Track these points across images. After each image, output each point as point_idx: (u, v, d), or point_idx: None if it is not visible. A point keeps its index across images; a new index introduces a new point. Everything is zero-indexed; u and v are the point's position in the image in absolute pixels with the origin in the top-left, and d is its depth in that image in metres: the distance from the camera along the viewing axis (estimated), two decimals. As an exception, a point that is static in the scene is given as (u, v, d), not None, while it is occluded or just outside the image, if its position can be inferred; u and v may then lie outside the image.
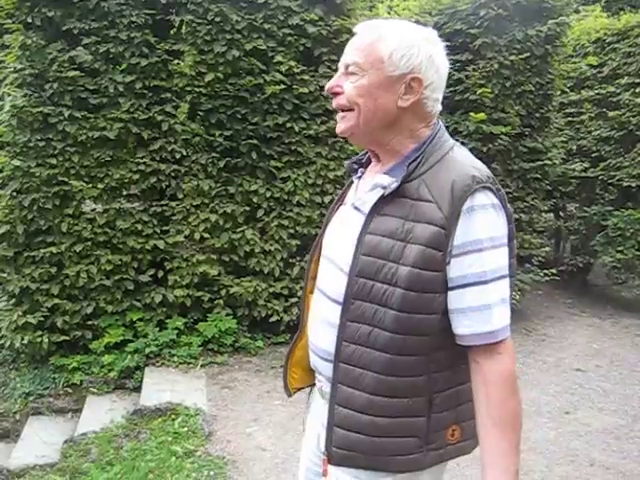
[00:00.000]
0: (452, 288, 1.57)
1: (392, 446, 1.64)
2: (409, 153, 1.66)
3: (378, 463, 1.65)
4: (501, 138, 6.26)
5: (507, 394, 1.54)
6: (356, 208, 1.72)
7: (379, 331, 1.59)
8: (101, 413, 4.81)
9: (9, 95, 5.23)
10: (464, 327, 1.57)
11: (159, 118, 5.44)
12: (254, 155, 5.67)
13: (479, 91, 6.28)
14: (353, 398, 1.63)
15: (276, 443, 4.27)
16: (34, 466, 4.24)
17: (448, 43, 1.74)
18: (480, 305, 1.54)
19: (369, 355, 1.60)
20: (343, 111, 1.67)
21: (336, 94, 1.67)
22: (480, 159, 1.69)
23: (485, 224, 1.55)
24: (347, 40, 1.71)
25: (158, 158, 5.52)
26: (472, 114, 6.21)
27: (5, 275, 5.29)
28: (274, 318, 5.75)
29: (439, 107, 1.69)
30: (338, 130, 1.71)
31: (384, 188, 1.62)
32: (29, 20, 5.18)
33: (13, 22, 5.24)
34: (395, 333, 1.57)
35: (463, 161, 1.63)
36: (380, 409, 1.62)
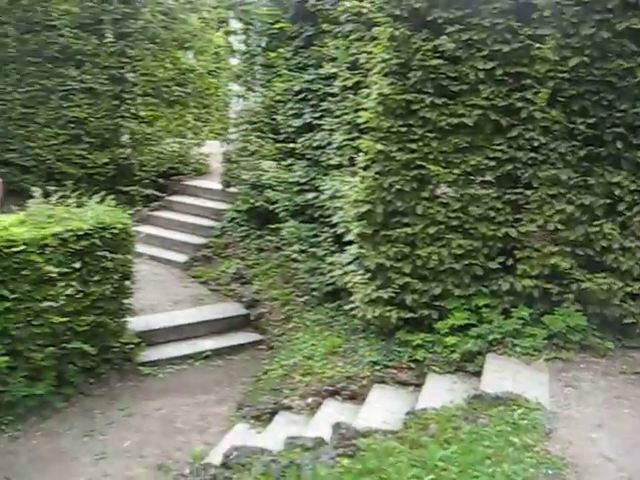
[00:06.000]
0: None
1: None
2: None
3: None
4: None
5: None
6: None
7: None
8: (441, 391, 4.97)
9: (376, 83, 5.61)
10: None
11: (518, 105, 5.36)
12: (619, 144, 5.28)
13: None
14: None
15: (623, 455, 3.96)
16: (377, 430, 4.50)
17: None
18: None
19: None
20: None
21: None
22: None
23: None
24: None
25: (515, 145, 5.45)
26: None
27: (364, 251, 5.72)
28: (629, 320, 5.35)
29: None
30: None
31: None
32: (397, 12, 5.48)
33: (382, 15, 5.60)
34: None
35: None
36: None
